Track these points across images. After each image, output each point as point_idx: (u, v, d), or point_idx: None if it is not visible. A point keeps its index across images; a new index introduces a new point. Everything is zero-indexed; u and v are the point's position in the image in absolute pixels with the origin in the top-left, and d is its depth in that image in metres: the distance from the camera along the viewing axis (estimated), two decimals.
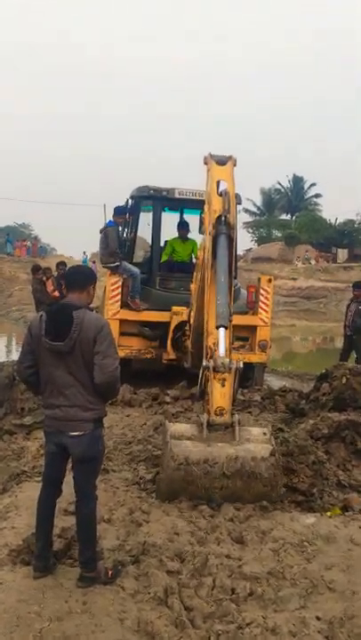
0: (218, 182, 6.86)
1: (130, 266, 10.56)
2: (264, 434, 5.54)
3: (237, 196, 11.29)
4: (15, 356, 15.12)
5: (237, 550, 4.45)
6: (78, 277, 4.06)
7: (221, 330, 5.55)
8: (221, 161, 7.03)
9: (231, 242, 6.31)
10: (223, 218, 6.41)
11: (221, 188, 6.76)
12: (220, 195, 6.62)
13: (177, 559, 4.23)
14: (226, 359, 5.34)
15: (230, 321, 5.84)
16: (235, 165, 7.08)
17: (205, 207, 7.02)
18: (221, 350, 5.38)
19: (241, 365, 5.53)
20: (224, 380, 5.45)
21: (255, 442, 5.40)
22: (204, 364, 5.52)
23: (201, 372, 5.67)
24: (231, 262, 6.24)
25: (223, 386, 5.47)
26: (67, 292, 4.07)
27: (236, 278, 11.65)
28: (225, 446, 5.28)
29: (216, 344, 5.53)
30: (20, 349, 4.20)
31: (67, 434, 3.81)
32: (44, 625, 3.29)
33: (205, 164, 7.09)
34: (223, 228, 6.36)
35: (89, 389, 3.81)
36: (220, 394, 5.45)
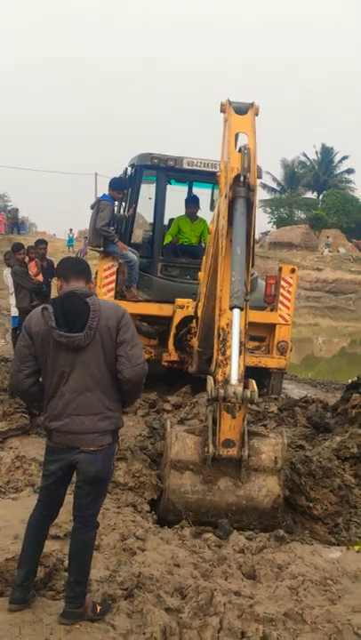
0: (237, 135, 6.63)
1: (127, 249, 10.42)
2: (275, 461, 5.73)
3: (257, 169, 11.36)
4: None
5: (249, 587, 4.47)
6: (82, 267, 4.03)
7: (236, 311, 5.46)
8: (241, 109, 6.80)
9: (251, 206, 6.17)
10: (242, 178, 6.15)
11: (241, 142, 6.52)
12: (240, 150, 6.40)
13: (177, 595, 4.25)
14: (239, 388, 5.28)
15: (246, 301, 5.84)
16: (257, 115, 6.83)
17: (221, 165, 6.84)
18: (234, 378, 5.31)
19: (255, 396, 5.51)
20: (234, 411, 5.52)
21: (263, 473, 5.70)
22: (213, 394, 5.48)
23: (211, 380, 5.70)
24: (250, 231, 6.13)
25: (234, 417, 5.55)
26: (64, 283, 3.95)
27: (252, 267, 11.70)
28: (226, 492, 5.68)
29: (227, 373, 5.48)
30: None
31: (79, 449, 3.77)
32: None
33: (222, 111, 6.86)
34: (242, 190, 6.14)
35: (107, 392, 3.81)
36: (230, 426, 5.57)
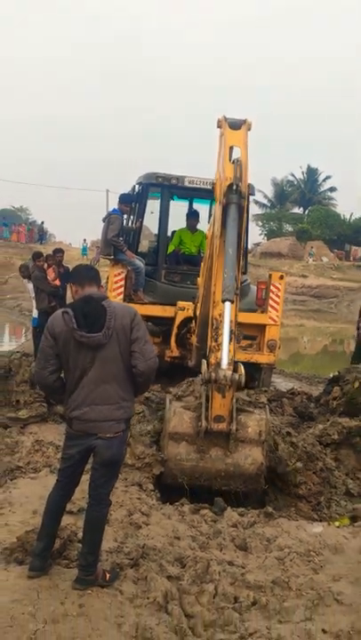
0: (231, 148, 6.66)
1: (134, 257, 10.44)
2: (260, 434, 5.88)
3: (250, 187, 11.29)
4: (9, 346, 15.18)
5: (241, 557, 4.48)
6: (94, 273, 4.03)
7: (227, 304, 5.58)
8: (236, 125, 6.78)
9: (242, 212, 6.21)
10: (235, 187, 6.18)
11: (234, 155, 6.56)
12: (233, 162, 6.45)
13: (177, 564, 4.26)
14: (228, 372, 5.39)
15: (237, 295, 5.94)
16: (249, 130, 6.83)
17: (216, 175, 6.88)
18: (225, 362, 5.41)
19: (243, 379, 5.62)
20: (224, 391, 5.62)
21: (248, 444, 5.86)
22: (206, 376, 5.57)
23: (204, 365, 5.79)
24: (241, 233, 6.20)
25: (223, 397, 5.67)
26: (78, 288, 3.94)
27: (245, 274, 11.69)
28: (217, 460, 5.82)
29: (219, 357, 5.56)
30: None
31: (97, 436, 3.78)
32: (38, 626, 3.30)
33: (219, 127, 6.87)
34: (234, 197, 6.17)
35: (122, 384, 3.81)
36: (220, 404, 5.70)
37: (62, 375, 3.93)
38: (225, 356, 5.41)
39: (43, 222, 52.51)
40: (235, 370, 5.57)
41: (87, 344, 3.71)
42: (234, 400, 5.77)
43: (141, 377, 3.83)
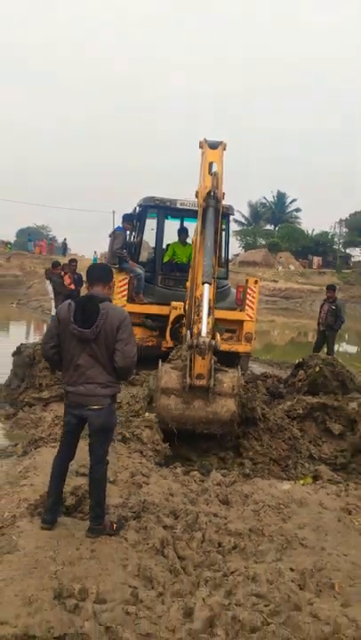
0: (210, 164, 7.00)
1: (136, 265, 10.49)
2: (233, 388, 6.05)
3: (230, 208, 11.35)
4: (34, 339, 15.12)
5: (223, 510, 4.47)
6: (102, 273, 3.98)
7: (206, 286, 5.90)
8: (214, 145, 7.23)
9: (218, 213, 6.58)
10: (212, 193, 6.62)
11: (213, 169, 6.95)
12: (212, 174, 6.83)
13: (172, 516, 4.25)
14: (206, 339, 5.60)
15: (214, 279, 6.26)
16: (225, 149, 7.25)
17: (198, 185, 7.15)
18: (204, 331, 5.69)
19: (218, 345, 5.85)
20: (204, 354, 5.75)
21: (224, 396, 6.01)
22: (189, 342, 5.78)
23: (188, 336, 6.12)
24: (217, 230, 6.54)
25: (203, 358, 5.82)
26: (89, 286, 3.95)
27: (227, 279, 11.71)
28: (199, 409, 5.94)
29: (200, 328, 5.78)
30: (44, 331, 4.15)
31: (88, 407, 3.77)
32: (58, 568, 3.31)
33: (200, 147, 7.24)
34: (212, 202, 6.59)
35: (108, 370, 3.77)
36: (200, 365, 5.86)
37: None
38: (204, 327, 5.69)
39: (65, 239, 52.18)
40: (213, 338, 5.83)
41: (78, 336, 3.71)
42: (212, 361, 5.90)
43: (120, 370, 3.79)
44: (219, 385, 5.97)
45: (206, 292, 5.86)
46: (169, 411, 5.97)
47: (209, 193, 6.63)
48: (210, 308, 5.92)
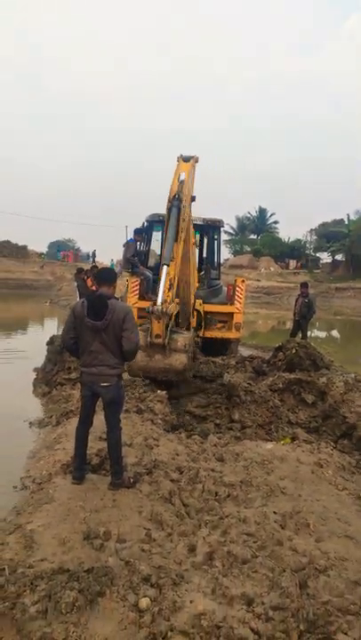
0: (180, 174, 7.43)
1: (145, 270, 10.47)
2: (185, 345, 6.18)
3: (221, 221, 11.29)
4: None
5: (219, 466, 4.47)
6: (109, 276, 3.99)
7: (165, 267, 6.35)
8: (186, 159, 7.74)
9: (179, 213, 6.97)
10: (177, 196, 7.04)
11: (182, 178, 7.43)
12: (179, 182, 7.30)
13: (177, 472, 4.26)
14: (160, 307, 5.96)
15: (172, 260, 6.59)
16: (196, 162, 7.87)
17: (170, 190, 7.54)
18: (159, 302, 6.05)
19: (170, 312, 6.11)
20: (159, 319, 5.99)
21: (178, 352, 6.13)
22: (148, 309, 6.07)
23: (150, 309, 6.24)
24: (178, 224, 6.92)
25: (159, 322, 6.00)
26: (98, 286, 3.96)
27: (219, 279, 11.66)
28: (159, 362, 6.12)
29: (158, 298, 6.12)
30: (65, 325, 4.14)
31: (99, 384, 3.78)
32: (86, 514, 3.33)
33: (177, 161, 7.68)
34: (176, 203, 6.99)
35: (116, 354, 3.77)
36: (157, 327, 6.03)
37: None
38: (160, 299, 6.10)
39: (95, 250, 51.43)
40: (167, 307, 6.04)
41: (91, 327, 3.71)
42: (165, 324, 6.04)
43: (126, 353, 3.79)
44: (174, 343, 6.10)
45: (165, 271, 6.19)
46: (136, 362, 6.00)
47: (174, 196, 6.98)
48: (170, 285, 6.22)
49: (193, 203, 8.08)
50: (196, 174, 8.18)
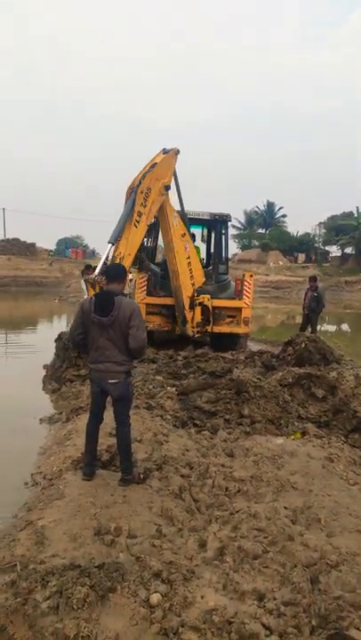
0: (154, 164, 8.29)
1: (152, 266, 10.47)
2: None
3: (228, 216, 11.25)
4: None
5: (229, 461, 4.47)
6: (118, 272, 3.99)
7: (109, 245, 7.53)
8: (165, 151, 8.71)
9: (136, 197, 8.01)
10: (138, 183, 7.98)
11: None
12: (147, 171, 8.18)
13: (187, 467, 4.26)
14: (94, 277, 7.06)
15: (118, 240, 7.73)
16: (177, 154, 8.85)
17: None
18: (97, 272, 7.09)
19: (99, 280, 6.93)
20: (94, 287, 7.02)
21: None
22: (85, 278, 7.31)
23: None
24: (132, 209, 8.00)
25: (94, 290, 6.97)
26: (107, 283, 3.97)
27: (227, 274, 11.62)
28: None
29: (96, 270, 7.53)
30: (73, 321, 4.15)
31: (107, 381, 3.78)
32: (97, 510, 3.34)
33: (157, 153, 8.65)
34: (135, 189, 7.96)
35: (123, 351, 3.75)
36: (91, 292, 6.82)
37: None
38: (98, 270, 7.20)
39: (86, 245, 51.86)
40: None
41: (97, 323, 3.71)
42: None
43: (133, 351, 3.77)
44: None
45: (108, 249, 7.23)
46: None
47: (131, 185, 8.02)
48: (106, 260, 7.31)
49: (167, 191, 8.89)
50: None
